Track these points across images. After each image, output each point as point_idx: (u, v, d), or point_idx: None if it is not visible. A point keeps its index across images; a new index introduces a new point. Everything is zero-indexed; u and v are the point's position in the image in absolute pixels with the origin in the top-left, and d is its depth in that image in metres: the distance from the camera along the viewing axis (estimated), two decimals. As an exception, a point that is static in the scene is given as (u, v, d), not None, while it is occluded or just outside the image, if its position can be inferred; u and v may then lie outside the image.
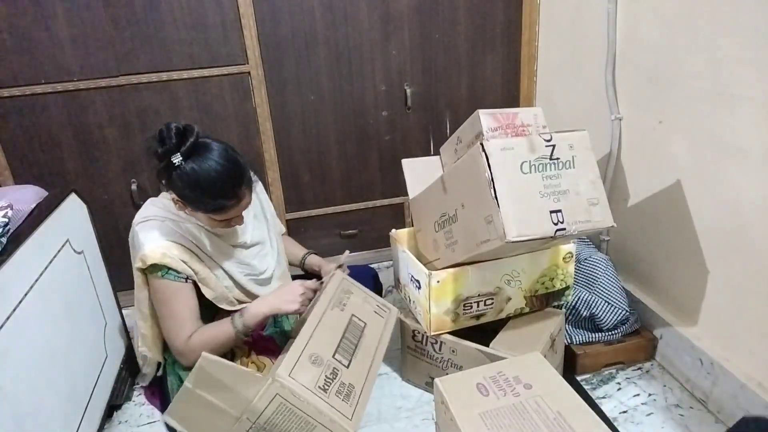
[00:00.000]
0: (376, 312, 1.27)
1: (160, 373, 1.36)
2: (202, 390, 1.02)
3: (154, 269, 1.15)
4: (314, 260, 1.49)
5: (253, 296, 1.30)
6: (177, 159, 1.05)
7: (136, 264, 1.17)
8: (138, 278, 1.21)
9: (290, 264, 1.50)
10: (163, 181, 1.11)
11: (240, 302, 1.28)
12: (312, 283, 1.24)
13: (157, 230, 1.17)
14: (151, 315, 1.26)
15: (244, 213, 1.21)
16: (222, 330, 1.17)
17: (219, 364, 1.01)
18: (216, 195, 1.08)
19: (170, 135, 1.05)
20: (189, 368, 1.12)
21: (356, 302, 1.25)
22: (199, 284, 1.20)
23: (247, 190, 1.13)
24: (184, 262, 1.16)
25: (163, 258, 1.13)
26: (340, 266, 1.36)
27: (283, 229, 1.53)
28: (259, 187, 1.39)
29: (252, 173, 1.18)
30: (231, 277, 1.27)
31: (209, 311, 1.25)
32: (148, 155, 1.10)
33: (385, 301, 1.33)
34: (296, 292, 1.18)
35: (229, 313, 1.23)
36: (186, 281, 1.18)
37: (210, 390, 1.01)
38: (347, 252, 1.41)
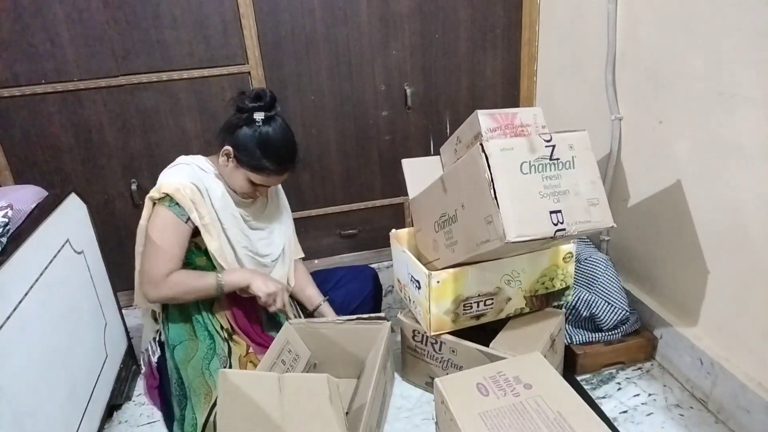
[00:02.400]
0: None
1: (158, 354, 1.37)
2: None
3: (163, 200, 1.21)
4: (325, 310, 1.48)
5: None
6: (259, 116, 1.20)
7: (151, 194, 1.23)
8: (147, 211, 1.25)
9: (297, 300, 1.51)
10: (230, 132, 1.22)
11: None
12: (286, 304, 1.35)
13: (180, 171, 1.25)
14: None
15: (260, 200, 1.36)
16: (203, 278, 1.24)
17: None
18: (275, 159, 1.22)
19: (266, 97, 1.21)
20: (148, 301, 1.27)
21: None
22: (201, 230, 1.24)
23: (291, 169, 1.28)
24: (194, 203, 1.21)
25: (176, 192, 1.20)
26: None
27: (300, 254, 1.55)
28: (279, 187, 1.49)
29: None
30: (230, 243, 1.30)
31: None
32: (232, 104, 1.24)
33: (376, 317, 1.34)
34: (275, 288, 1.28)
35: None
36: (186, 222, 1.22)
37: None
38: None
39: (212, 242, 1.26)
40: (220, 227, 1.28)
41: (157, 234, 1.22)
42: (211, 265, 1.29)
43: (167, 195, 1.20)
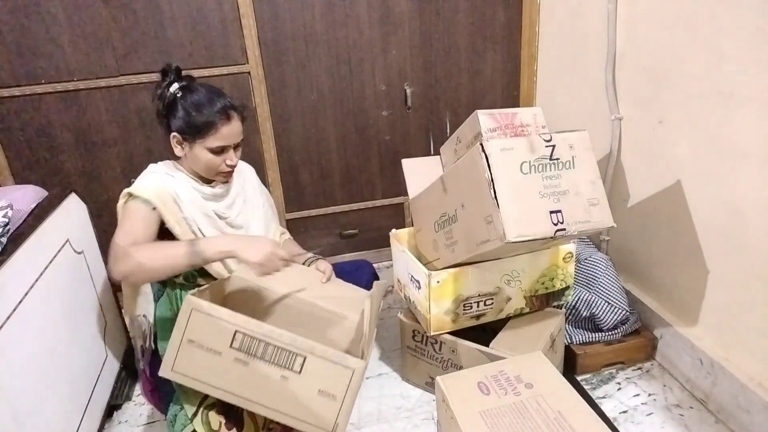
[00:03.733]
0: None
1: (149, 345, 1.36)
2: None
3: (128, 197, 1.17)
4: (321, 265, 1.44)
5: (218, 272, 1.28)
6: (175, 89, 1.18)
7: (120, 202, 1.18)
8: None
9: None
10: (165, 123, 1.21)
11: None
12: (286, 254, 1.15)
13: (148, 178, 1.22)
14: None
15: (233, 186, 1.30)
16: (175, 246, 1.10)
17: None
18: (208, 110, 1.17)
19: (170, 69, 1.20)
20: (115, 279, 1.11)
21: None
22: (173, 231, 1.18)
23: (236, 114, 1.21)
24: (161, 201, 1.17)
25: (137, 190, 1.16)
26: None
27: (285, 232, 1.52)
28: (256, 179, 1.45)
29: (244, 108, 1.25)
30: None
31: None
32: (154, 103, 1.22)
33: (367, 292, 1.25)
34: (266, 250, 1.09)
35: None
36: (153, 210, 1.16)
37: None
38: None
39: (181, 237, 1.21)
40: (189, 230, 1.23)
41: (123, 218, 1.17)
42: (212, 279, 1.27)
43: (130, 194, 1.16)
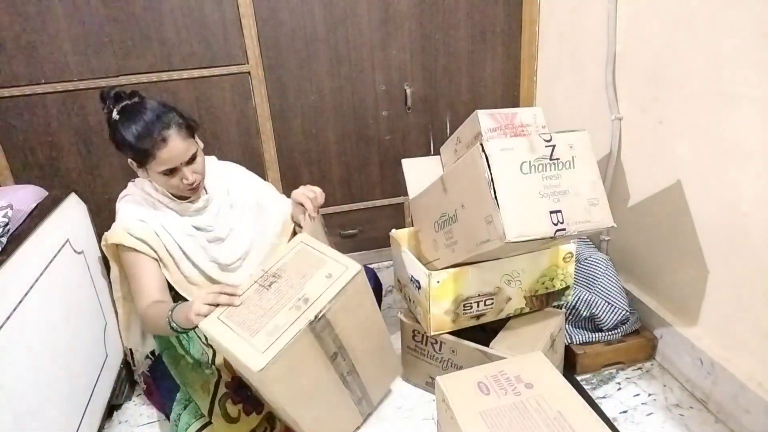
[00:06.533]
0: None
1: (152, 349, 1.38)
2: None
3: (120, 248, 1.21)
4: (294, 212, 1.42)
5: (218, 282, 1.29)
6: (115, 116, 1.14)
7: (102, 243, 1.22)
8: (110, 257, 1.25)
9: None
10: (116, 147, 1.17)
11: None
12: (218, 288, 1.12)
13: (129, 208, 1.23)
14: (123, 296, 1.31)
15: (213, 195, 1.29)
16: (162, 318, 1.11)
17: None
18: (142, 138, 1.12)
19: (110, 95, 1.17)
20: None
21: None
22: (159, 264, 1.23)
23: (175, 134, 1.14)
24: (145, 242, 1.19)
25: (122, 240, 1.18)
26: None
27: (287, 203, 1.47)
28: (244, 179, 1.41)
29: (188, 119, 1.20)
30: (193, 263, 1.27)
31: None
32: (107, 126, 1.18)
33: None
34: (195, 309, 1.06)
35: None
36: (148, 257, 1.21)
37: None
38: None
39: (170, 276, 1.23)
40: (181, 258, 1.25)
41: (129, 273, 1.22)
42: None
43: (118, 244, 1.19)
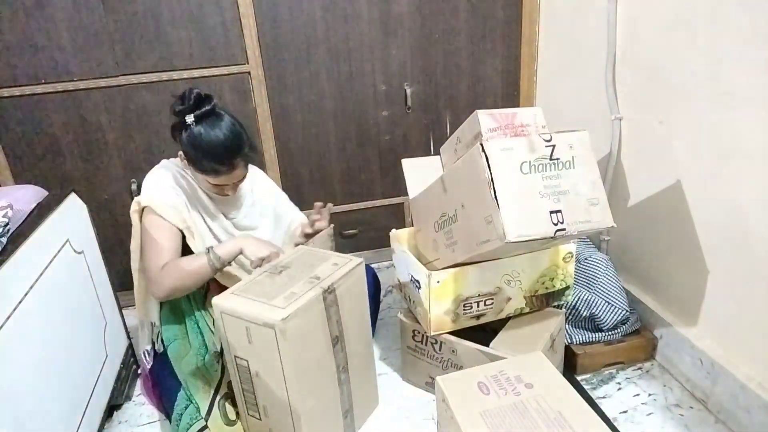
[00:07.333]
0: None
1: (159, 347, 1.38)
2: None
3: (147, 210, 1.24)
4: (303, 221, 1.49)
5: (230, 275, 1.34)
6: (190, 119, 1.18)
7: (133, 207, 1.26)
8: (135, 225, 1.27)
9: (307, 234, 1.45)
10: (175, 137, 1.23)
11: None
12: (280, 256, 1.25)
13: (161, 177, 1.28)
14: (141, 269, 1.32)
15: (241, 191, 1.36)
16: (196, 259, 1.22)
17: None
18: (213, 159, 1.19)
19: (190, 97, 1.18)
20: (159, 300, 1.28)
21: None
22: (186, 234, 1.26)
23: (242, 162, 1.23)
24: (174, 208, 1.24)
25: (151, 202, 1.23)
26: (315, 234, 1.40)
27: (301, 217, 1.53)
28: (265, 182, 1.49)
29: (253, 149, 1.26)
30: (216, 238, 1.33)
31: None
32: (170, 112, 1.22)
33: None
34: (268, 251, 1.21)
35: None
36: (173, 225, 1.25)
37: None
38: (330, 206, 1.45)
39: (195, 245, 1.27)
40: (201, 230, 1.30)
41: (148, 236, 1.24)
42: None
43: (149, 207, 1.24)
